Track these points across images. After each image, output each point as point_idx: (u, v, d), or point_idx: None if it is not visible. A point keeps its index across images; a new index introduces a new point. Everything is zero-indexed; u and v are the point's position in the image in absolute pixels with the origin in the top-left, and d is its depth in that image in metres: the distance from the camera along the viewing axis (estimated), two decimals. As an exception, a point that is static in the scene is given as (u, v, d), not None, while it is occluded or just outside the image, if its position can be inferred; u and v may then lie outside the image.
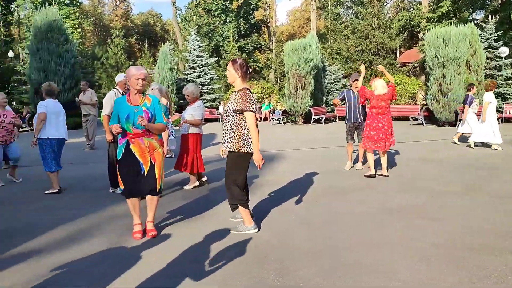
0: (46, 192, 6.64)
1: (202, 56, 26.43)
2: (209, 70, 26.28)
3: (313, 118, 21.23)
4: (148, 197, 4.50)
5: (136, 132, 4.31)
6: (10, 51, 31.47)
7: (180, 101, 23.37)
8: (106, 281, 3.34)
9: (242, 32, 36.42)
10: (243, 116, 4.31)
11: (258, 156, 4.32)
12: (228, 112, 4.39)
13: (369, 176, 7.25)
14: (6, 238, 4.49)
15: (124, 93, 6.80)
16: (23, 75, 26.81)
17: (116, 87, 6.87)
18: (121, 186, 4.41)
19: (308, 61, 20.69)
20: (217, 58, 30.69)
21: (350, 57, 29.12)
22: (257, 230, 4.52)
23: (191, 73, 25.86)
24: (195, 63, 26.18)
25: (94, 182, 7.49)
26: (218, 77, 26.84)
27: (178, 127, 7.36)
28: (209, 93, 26.09)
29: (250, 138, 4.35)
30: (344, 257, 3.73)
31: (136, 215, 4.51)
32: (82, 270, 3.57)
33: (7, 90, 27.84)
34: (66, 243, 4.28)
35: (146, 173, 4.38)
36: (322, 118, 21.45)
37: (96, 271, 3.54)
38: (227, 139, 4.39)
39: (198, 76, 25.76)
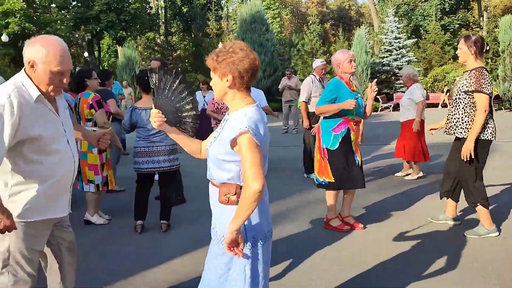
0: None
1: (399, 38, 24.93)
2: (407, 52, 24.65)
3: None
4: (351, 190, 4.32)
5: (358, 119, 4.12)
6: (220, 43, 35.34)
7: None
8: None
9: (447, 9, 33.11)
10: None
11: (468, 146, 3.72)
12: (459, 94, 3.90)
13: None
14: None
15: (321, 79, 6.77)
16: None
17: (313, 73, 6.86)
18: (329, 179, 4.15)
19: (532, 37, 17.61)
20: (416, 39, 28.57)
21: None
22: (497, 233, 3.96)
23: (386, 56, 24.67)
24: (392, 45, 24.86)
25: (289, 163, 7.72)
26: (416, 59, 24.95)
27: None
28: (406, 77, 24.53)
29: (488, 123, 3.83)
30: None
31: (334, 208, 4.35)
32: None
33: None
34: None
35: (360, 163, 4.18)
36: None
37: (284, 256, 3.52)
38: (459, 125, 3.88)
39: (395, 59, 24.41)
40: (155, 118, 2.00)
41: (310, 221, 4.57)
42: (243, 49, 1.93)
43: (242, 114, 1.90)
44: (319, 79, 6.72)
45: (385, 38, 25.36)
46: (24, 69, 2.11)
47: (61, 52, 2.08)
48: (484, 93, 3.72)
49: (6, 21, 30.92)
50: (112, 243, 4.15)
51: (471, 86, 3.78)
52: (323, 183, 4.22)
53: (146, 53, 37.62)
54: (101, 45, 40.18)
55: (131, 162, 4.57)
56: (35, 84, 2.08)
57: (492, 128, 3.84)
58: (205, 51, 34.07)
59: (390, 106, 21.76)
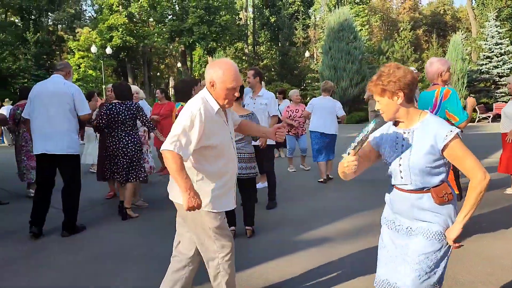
0: (319, 180, 7.21)
1: (501, 44, 23.08)
2: (509, 59, 22.73)
3: None
4: None
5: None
6: (307, 51, 35.38)
7: (471, 95, 21.12)
8: None
9: (558, 11, 30.04)
10: None
11: None
12: None
13: None
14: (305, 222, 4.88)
15: None
16: (316, 72, 29.63)
17: None
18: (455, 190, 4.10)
19: None
20: (521, 45, 26.27)
21: None
22: None
23: (486, 64, 22.95)
24: (492, 51, 23.08)
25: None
26: (522, 66, 22.93)
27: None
28: (505, 85, 22.61)
29: None
30: None
31: None
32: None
33: (302, 87, 31.38)
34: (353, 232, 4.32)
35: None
36: None
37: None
38: None
39: (495, 67, 22.62)
40: (353, 165, 2.06)
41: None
42: (399, 67, 2.11)
43: (434, 121, 2.11)
44: None
45: (485, 44, 23.63)
46: (206, 87, 2.59)
47: (233, 72, 2.53)
48: None
49: (110, 35, 33.87)
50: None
51: None
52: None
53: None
54: (193, 56, 42.30)
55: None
56: (214, 99, 2.55)
57: None
58: (292, 60, 34.35)
59: (489, 116, 20.18)
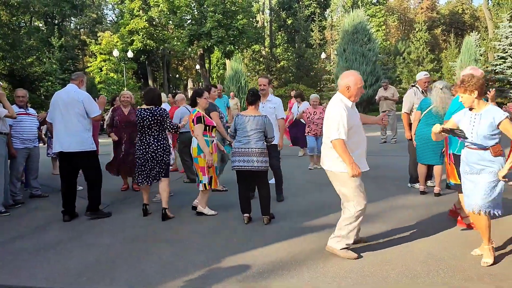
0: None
1: (515, 44, 23.26)
2: (523, 59, 22.92)
3: None
4: None
5: None
6: (323, 52, 35.82)
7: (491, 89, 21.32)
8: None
9: None
10: None
11: None
12: None
13: None
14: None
15: (423, 91, 6.81)
16: (332, 74, 30.11)
17: (416, 85, 6.93)
18: (455, 181, 4.60)
19: None
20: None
21: None
22: None
23: (500, 64, 23.14)
24: (506, 52, 23.25)
25: (389, 172, 7.97)
26: (535, 67, 23.06)
27: None
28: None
29: None
30: None
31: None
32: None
33: (318, 88, 31.88)
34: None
35: None
36: None
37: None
38: None
39: (509, 67, 22.80)
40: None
41: (399, 221, 4.94)
42: (474, 76, 3.71)
43: (493, 109, 3.63)
44: (421, 91, 6.81)
45: (499, 45, 23.81)
46: (339, 91, 3.97)
47: (359, 78, 3.93)
48: None
49: (131, 38, 34.96)
50: (221, 231, 4.98)
51: None
52: (451, 185, 4.88)
53: (251, 64, 39.51)
54: (211, 59, 43.14)
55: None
56: (347, 98, 3.91)
57: None
58: (308, 62, 34.86)
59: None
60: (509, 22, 24.10)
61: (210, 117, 5.81)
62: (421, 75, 6.95)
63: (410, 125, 6.65)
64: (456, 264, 3.74)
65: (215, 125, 5.68)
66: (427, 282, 3.43)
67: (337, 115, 3.76)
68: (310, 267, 3.81)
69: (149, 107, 5.50)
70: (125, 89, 29.00)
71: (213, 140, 5.58)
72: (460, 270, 3.61)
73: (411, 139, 6.55)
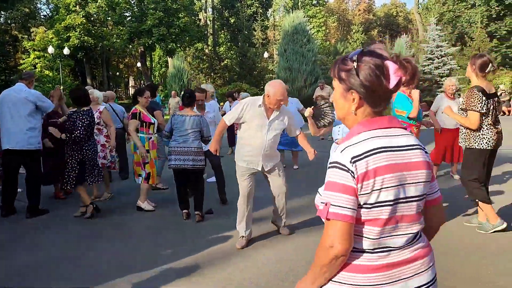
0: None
1: (441, 46, 24.89)
2: (449, 60, 24.57)
3: None
4: None
5: (418, 124, 5.20)
6: (266, 52, 36.36)
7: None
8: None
9: (494, 16, 32.35)
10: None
11: (450, 115, 4.79)
12: (459, 111, 4.71)
13: None
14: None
15: None
16: (274, 73, 30.66)
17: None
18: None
19: None
20: (461, 47, 28.31)
21: None
22: (505, 225, 4.44)
23: (428, 65, 24.70)
24: (433, 53, 24.85)
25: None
26: (460, 67, 24.79)
27: None
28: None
29: (484, 134, 4.44)
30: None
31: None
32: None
33: (261, 87, 32.32)
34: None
35: None
36: None
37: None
38: (462, 135, 4.68)
39: (436, 68, 24.40)
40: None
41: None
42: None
43: None
44: None
45: (427, 47, 25.39)
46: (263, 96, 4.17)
47: (280, 92, 4.04)
48: (474, 110, 4.31)
49: (67, 35, 33.59)
50: (162, 228, 5.10)
51: (463, 104, 4.48)
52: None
53: (195, 62, 39.31)
54: (152, 56, 42.41)
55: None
56: (265, 102, 4.15)
57: (488, 138, 4.37)
58: (250, 61, 35.22)
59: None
60: (436, 26, 25.78)
61: (154, 116, 5.95)
62: None
63: None
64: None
65: (152, 122, 5.79)
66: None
67: (238, 105, 4.24)
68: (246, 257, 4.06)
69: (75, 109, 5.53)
70: (62, 87, 27.88)
71: (151, 137, 5.72)
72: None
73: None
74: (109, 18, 35.10)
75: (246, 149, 4.29)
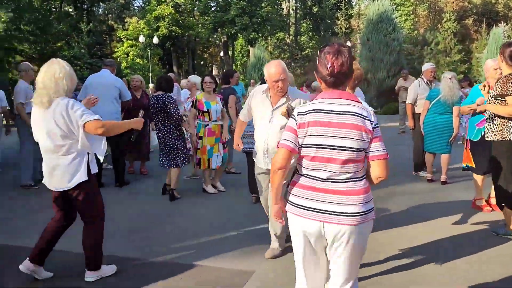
0: None
1: (546, 36, 22.56)
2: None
3: None
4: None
5: None
6: (348, 42, 35.45)
7: None
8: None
9: None
10: None
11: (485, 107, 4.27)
12: (489, 100, 4.11)
13: None
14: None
15: (428, 82, 6.96)
16: (356, 63, 29.79)
17: (422, 76, 7.08)
18: (471, 164, 4.98)
19: None
20: None
21: None
22: None
23: (529, 56, 22.51)
24: (537, 44, 22.58)
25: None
26: None
27: None
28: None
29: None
30: None
31: (480, 191, 5.07)
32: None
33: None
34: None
35: None
36: None
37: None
38: (490, 128, 4.12)
39: (539, 59, 22.18)
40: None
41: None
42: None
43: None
44: (426, 82, 6.97)
45: (530, 36, 23.13)
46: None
47: (273, 73, 3.45)
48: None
49: (157, 25, 35.35)
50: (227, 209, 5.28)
51: (496, 91, 3.92)
52: (466, 168, 5.14)
53: (275, 52, 39.45)
54: (235, 46, 43.25)
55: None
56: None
57: None
58: (332, 51, 34.45)
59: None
60: (541, 13, 23.33)
61: (227, 101, 6.26)
62: (426, 66, 7.18)
63: (413, 114, 6.96)
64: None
65: (206, 110, 5.86)
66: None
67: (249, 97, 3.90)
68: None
69: (156, 93, 5.72)
70: (150, 74, 29.50)
71: (207, 124, 5.88)
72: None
73: (413, 128, 6.82)
74: (196, 8, 36.28)
75: (256, 144, 3.88)
